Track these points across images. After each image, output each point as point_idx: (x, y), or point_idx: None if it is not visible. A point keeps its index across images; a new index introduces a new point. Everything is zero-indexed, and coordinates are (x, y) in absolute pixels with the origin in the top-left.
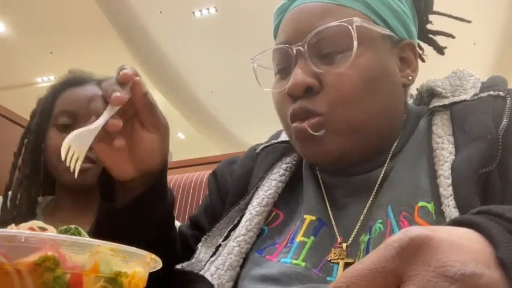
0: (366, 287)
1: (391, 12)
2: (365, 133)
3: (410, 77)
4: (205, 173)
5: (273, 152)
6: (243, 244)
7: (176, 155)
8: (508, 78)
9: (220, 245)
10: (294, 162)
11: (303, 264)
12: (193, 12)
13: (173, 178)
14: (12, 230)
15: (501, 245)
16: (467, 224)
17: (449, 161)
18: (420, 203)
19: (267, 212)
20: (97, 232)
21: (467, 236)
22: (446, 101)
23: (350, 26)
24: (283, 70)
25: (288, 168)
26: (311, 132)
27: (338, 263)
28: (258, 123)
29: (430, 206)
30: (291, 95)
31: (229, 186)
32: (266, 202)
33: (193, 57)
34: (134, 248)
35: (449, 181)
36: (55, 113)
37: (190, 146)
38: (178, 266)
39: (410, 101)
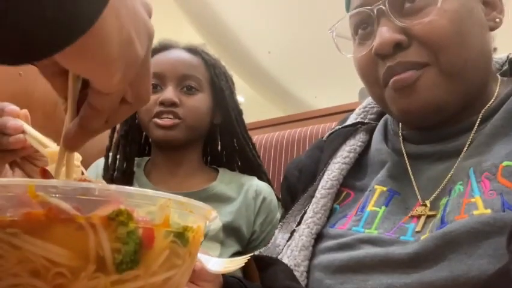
0: None
1: None
2: (465, 80)
3: (497, 19)
4: (267, 136)
5: (337, 138)
6: (312, 225)
7: None
8: None
9: (294, 230)
10: (359, 144)
11: (376, 232)
12: None
13: None
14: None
15: None
16: None
17: None
18: (505, 163)
19: (333, 194)
20: None
21: None
22: None
23: None
24: (364, 35)
25: (352, 150)
26: (412, 82)
27: (420, 218)
28: (318, 84)
29: None
30: (379, 54)
31: (298, 181)
32: (330, 184)
33: (248, 15)
34: (198, 202)
35: None
36: None
37: (251, 108)
38: (256, 252)
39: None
